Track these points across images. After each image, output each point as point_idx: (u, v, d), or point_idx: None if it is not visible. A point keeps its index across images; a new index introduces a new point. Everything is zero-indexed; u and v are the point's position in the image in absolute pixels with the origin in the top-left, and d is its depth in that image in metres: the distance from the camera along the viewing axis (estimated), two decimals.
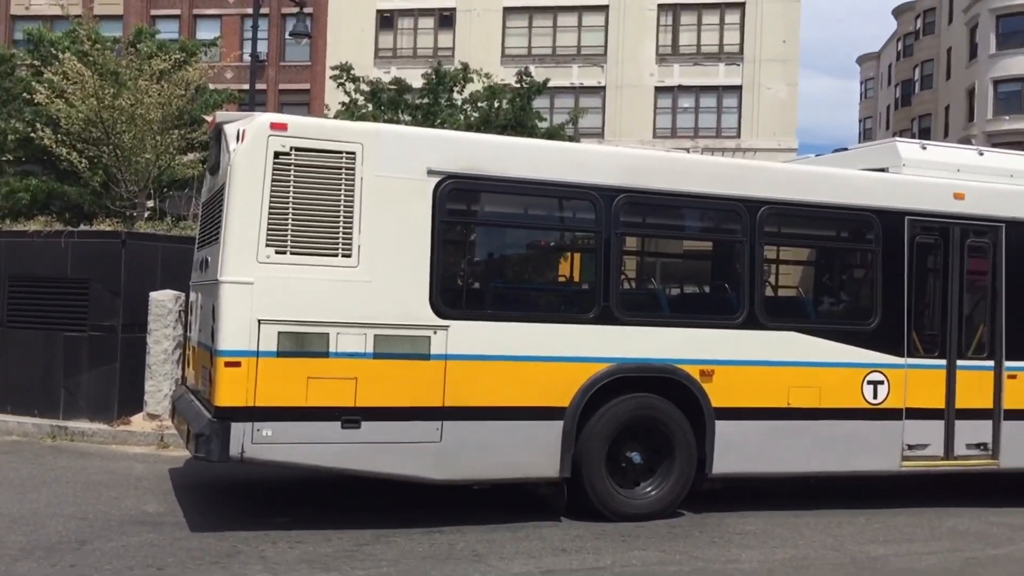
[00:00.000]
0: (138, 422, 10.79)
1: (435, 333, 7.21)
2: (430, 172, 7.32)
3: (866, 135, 69.01)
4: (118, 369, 10.94)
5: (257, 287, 6.84)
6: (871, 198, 8.66)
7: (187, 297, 9.88)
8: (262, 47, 33.17)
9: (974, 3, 48.45)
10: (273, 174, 6.94)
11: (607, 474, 7.66)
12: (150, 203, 16.51)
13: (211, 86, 22.44)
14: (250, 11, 23.29)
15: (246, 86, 24.61)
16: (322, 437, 6.90)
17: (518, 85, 23.55)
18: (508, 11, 37.94)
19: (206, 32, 37.22)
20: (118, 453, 10.01)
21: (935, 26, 54.81)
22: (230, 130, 7.29)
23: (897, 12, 60.51)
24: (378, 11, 38.71)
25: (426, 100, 22.84)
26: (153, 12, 40.39)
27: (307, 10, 25.85)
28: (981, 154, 9.87)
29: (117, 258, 11.03)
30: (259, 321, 6.81)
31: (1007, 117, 46.20)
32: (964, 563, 6.92)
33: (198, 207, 10.75)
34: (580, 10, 37.52)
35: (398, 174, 7.25)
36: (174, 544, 6.52)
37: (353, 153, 7.14)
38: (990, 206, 9.02)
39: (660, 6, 37.12)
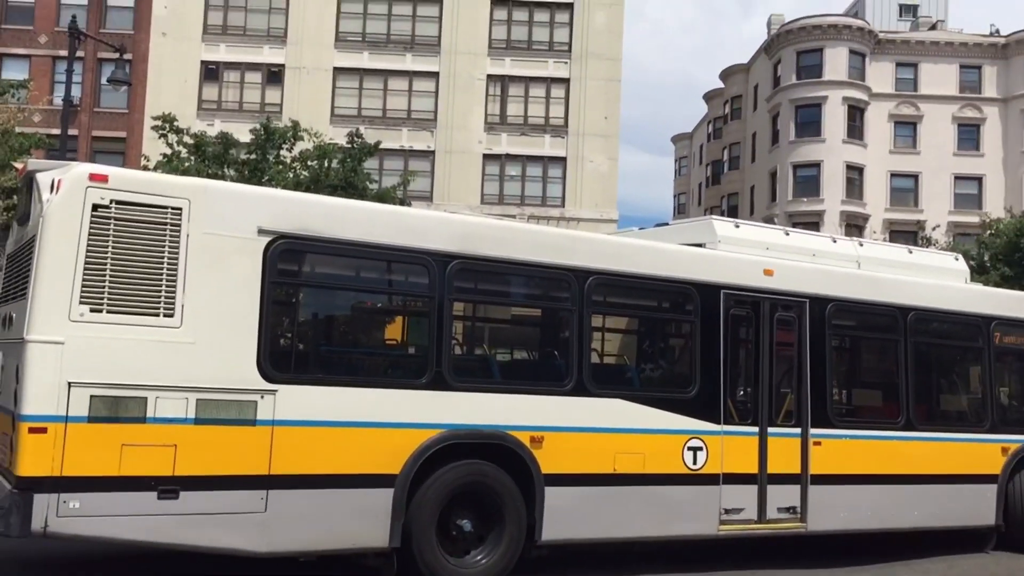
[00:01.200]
0: None
1: (262, 397, 6.96)
2: (261, 231, 7.14)
3: (680, 209, 72.81)
4: None
5: (68, 347, 6.42)
6: (690, 271, 9.09)
7: None
8: (75, 91, 31.59)
9: (776, 93, 52.45)
10: (91, 228, 6.58)
11: (437, 543, 7.55)
12: None
13: (18, 129, 21.16)
14: (62, 53, 22.25)
15: (56, 131, 23.32)
16: (136, 509, 6.49)
17: (349, 145, 23.47)
18: (338, 71, 37.90)
19: (14, 72, 35.12)
20: None
21: (741, 112, 58.86)
22: (43, 179, 6.87)
23: (708, 97, 64.63)
24: (203, 62, 37.75)
25: (253, 156, 22.35)
26: None
27: (127, 56, 24.93)
28: (787, 234, 10.59)
29: None
30: (69, 384, 6.38)
31: (805, 199, 49.99)
32: None
33: (2, 258, 10.01)
34: (411, 75, 37.97)
35: (227, 232, 7.02)
36: None
37: (179, 209, 6.87)
38: (795, 282, 9.63)
39: (489, 76, 38.09)
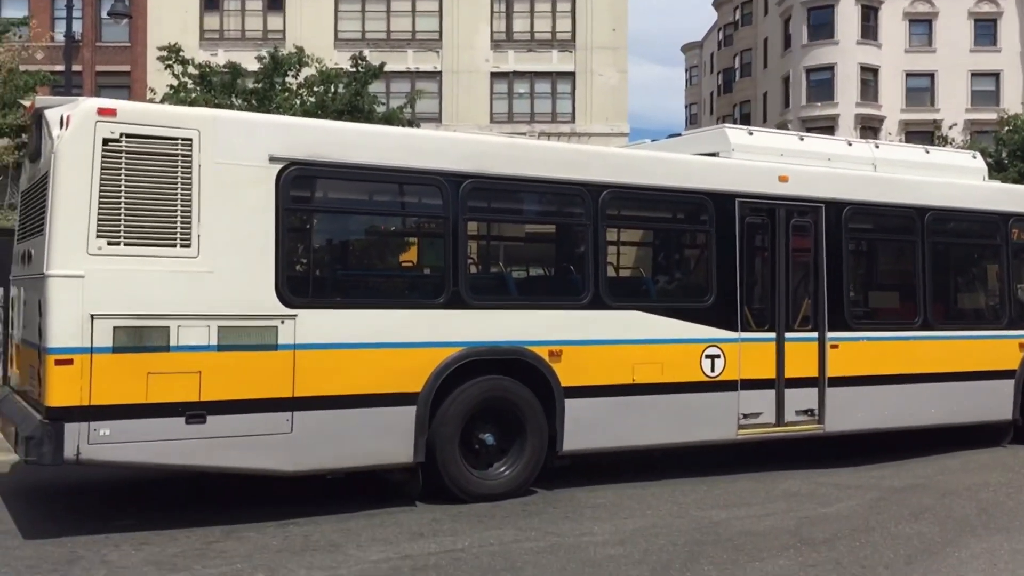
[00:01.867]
0: None
1: (282, 323, 7.05)
2: (272, 159, 7.14)
3: (692, 120, 71.86)
4: None
5: (88, 280, 6.49)
6: (704, 181, 9.06)
7: (6, 292, 9.25)
8: (76, 26, 31.23)
9: None
10: (103, 162, 6.59)
11: (461, 457, 7.72)
12: None
13: (23, 67, 21.02)
14: None
15: (60, 67, 23.10)
16: (165, 434, 6.63)
17: (354, 69, 23.19)
18: None
19: (13, 10, 34.66)
20: None
21: (752, 17, 57.63)
22: (52, 116, 6.88)
23: (717, 4, 63.21)
24: None
25: (260, 85, 22.13)
26: None
27: None
28: (802, 139, 10.50)
29: None
30: (92, 316, 6.47)
31: (819, 104, 49.25)
32: (798, 522, 7.36)
33: (16, 196, 10.07)
34: None
35: (238, 161, 7.03)
36: (6, 554, 6.13)
37: (189, 140, 6.87)
38: (811, 187, 9.59)
39: None
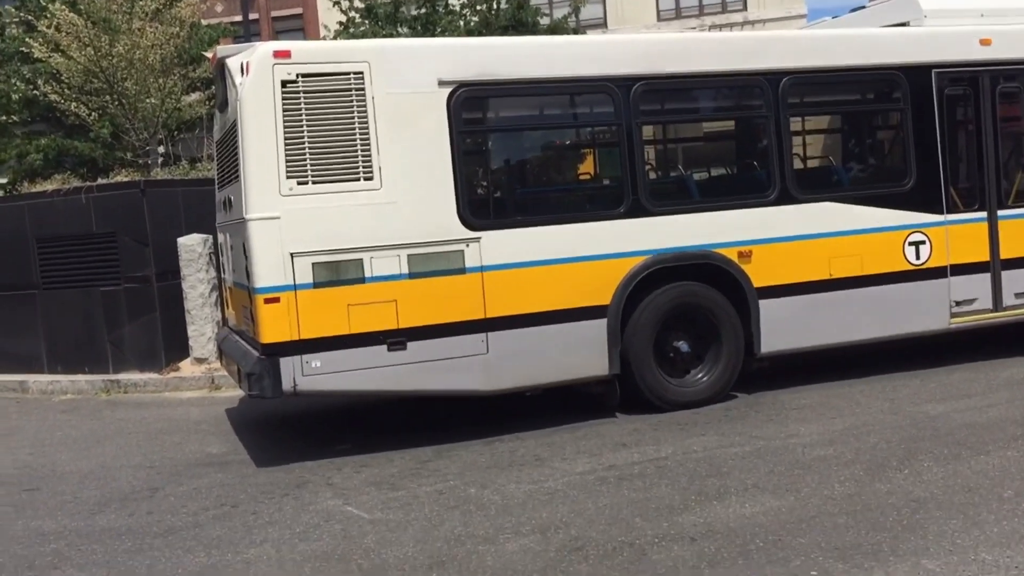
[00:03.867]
0: (187, 368, 10.92)
1: (467, 246, 7.16)
2: (441, 83, 7.17)
3: None
4: (158, 318, 11.02)
5: (284, 221, 6.79)
6: (895, 55, 8.41)
7: (215, 239, 9.86)
8: None
9: None
10: (283, 104, 6.81)
11: (656, 366, 7.67)
12: (162, 149, 16.41)
13: (204, 22, 22.00)
14: None
15: (238, 18, 24.09)
16: (370, 362, 6.93)
17: None
18: None
19: None
20: (172, 400, 10.17)
21: None
22: (233, 64, 7.15)
23: None
24: None
25: (423, 10, 22.24)
26: None
27: None
28: None
29: (139, 208, 11.00)
30: (291, 255, 6.78)
31: None
32: None
33: (212, 147, 10.64)
34: None
35: (409, 89, 7.10)
36: (243, 481, 6.65)
37: (360, 73, 6.98)
38: (1018, 48, 8.72)
39: None
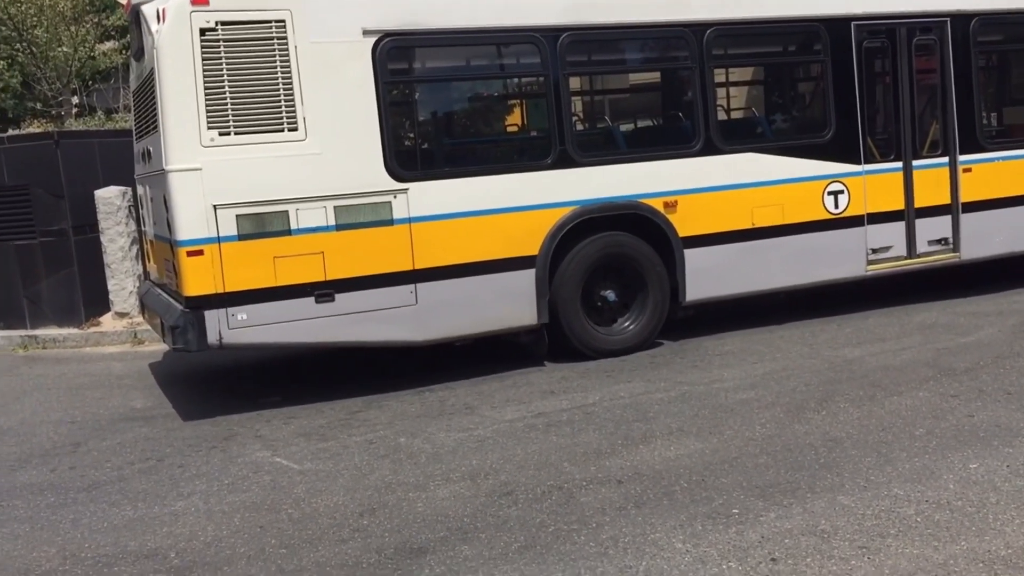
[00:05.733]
0: (108, 322, 10.69)
1: (395, 197, 7.11)
2: (366, 32, 7.07)
3: None
4: (76, 272, 10.74)
5: (206, 172, 6.65)
6: (815, 7, 8.54)
7: (134, 191, 9.61)
8: None
9: None
10: (202, 52, 6.63)
11: (584, 315, 7.77)
12: (76, 99, 15.87)
13: None
14: None
15: None
16: (298, 314, 6.88)
17: None
18: None
19: None
20: (93, 355, 9.95)
21: None
22: (148, 11, 6.94)
23: None
24: None
25: None
26: None
27: None
28: None
29: (53, 160, 10.64)
30: (215, 207, 6.65)
31: None
32: (936, 354, 7.18)
33: (128, 97, 10.33)
34: None
35: (333, 38, 6.98)
36: (169, 435, 6.57)
37: (282, 21, 6.83)
38: (933, 1, 8.91)
39: None
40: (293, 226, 6.85)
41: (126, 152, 9.44)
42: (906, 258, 8.86)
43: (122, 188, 10.47)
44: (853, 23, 8.57)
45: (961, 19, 8.95)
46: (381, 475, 5.38)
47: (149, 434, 6.63)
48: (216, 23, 6.66)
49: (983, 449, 5.09)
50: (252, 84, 6.75)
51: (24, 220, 10.72)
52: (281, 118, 6.83)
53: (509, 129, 8.72)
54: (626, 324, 8.00)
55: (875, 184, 8.65)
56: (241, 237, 6.73)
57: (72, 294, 10.76)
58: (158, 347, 9.44)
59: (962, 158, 8.95)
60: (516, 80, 8.51)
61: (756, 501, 4.58)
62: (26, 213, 10.70)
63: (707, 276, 8.07)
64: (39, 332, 10.65)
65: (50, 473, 5.93)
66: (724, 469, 5.05)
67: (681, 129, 8.39)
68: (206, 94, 6.62)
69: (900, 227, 8.79)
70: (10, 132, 12.01)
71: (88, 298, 10.76)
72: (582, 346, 7.77)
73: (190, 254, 6.65)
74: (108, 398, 7.85)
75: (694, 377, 7.05)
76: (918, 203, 8.82)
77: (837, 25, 8.52)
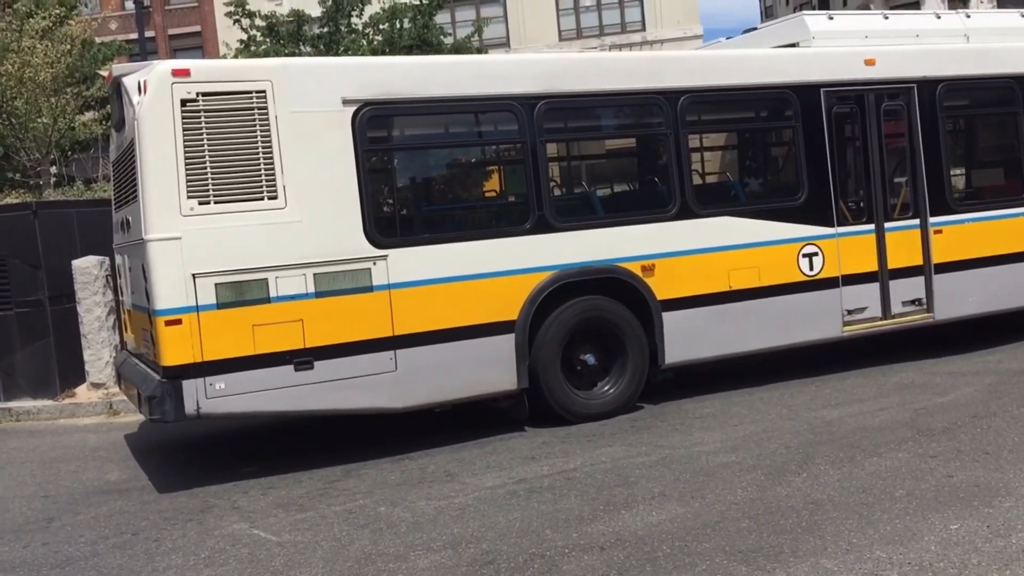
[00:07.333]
0: (83, 393, 10.56)
1: (374, 264, 7.14)
2: (346, 102, 7.16)
3: (767, 13, 68.96)
4: (52, 343, 10.63)
5: (185, 241, 6.66)
6: (786, 75, 8.76)
7: (112, 261, 9.59)
8: None
9: None
10: (183, 123, 6.70)
11: (564, 379, 7.77)
12: (54, 169, 15.91)
13: (97, 39, 21.46)
14: None
15: (134, 36, 23.59)
16: (277, 382, 6.83)
17: (418, 2, 22.94)
18: None
19: None
20: (68, 427, 9.81)
21: None
22: (130, 83, 7.00)
23: None
24: None
25: (326, 29, 22.12)
26: None
27: None
28: (886, 18, 9.98)
29: (31, 230, 10.62)
30: (193, 275, 6.65)
31: None
32: (914, 414, 7.21)
33: (108, 167, 10.37)
34: None
35: (313, 108, 7.07)
36: (144, 508, 6.46)
37: (263, 91, 6.92)
38: (900, 68, 9.16)
39: None
40: (272, 293, 6.85)
41: (105, 222, 9.44)
42: (881, 319, 8.94)
43: (100, 258, 10.43)
44: (822, 89, 8.78)
45: (928, 84, 9.20)
46: (361, 546, 5.30)
47: (124, 507, 6.52)
48: (197, 94, 6.74)
49: (963, 510, 5.09)
50: (232, 153, 6.81)
51: (0, 291, 10.64)
52: (261, 186, 6.87)
53: (488, 195, 8.81)
54: (606, 388, 8.00)
55: (849, 246, 8.77)
56: (220, 305, 6.71)
57: (47, 365, 10.65)
58: (134, 418, 9.32)
59: (933, 220, 9.11)
60: (494, 147, 8.63)
61: (739, 566, 4.55)
62: (3, 284, 10.63)
63: (685, 339, 8.11)
64: (13, 405, 10.50)
65: (23, 549, 5.80)
66: (706, 534, 5.02)
67: (657, 194, 8.51)
68: (186, 164, 6.67)
69: (875, 288, 8.90)
70: None
71: (63, 369, 10.64)
72: (562, 410, 7.75)
73: (168, 323, 6.62)
74: (83, 471, 7.73)
75: (675, 440, 7.04)
76: (891, 264, 8.95)
77: (807, 91, 8.73)
